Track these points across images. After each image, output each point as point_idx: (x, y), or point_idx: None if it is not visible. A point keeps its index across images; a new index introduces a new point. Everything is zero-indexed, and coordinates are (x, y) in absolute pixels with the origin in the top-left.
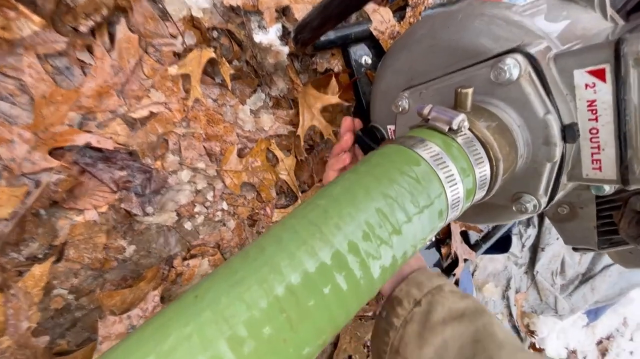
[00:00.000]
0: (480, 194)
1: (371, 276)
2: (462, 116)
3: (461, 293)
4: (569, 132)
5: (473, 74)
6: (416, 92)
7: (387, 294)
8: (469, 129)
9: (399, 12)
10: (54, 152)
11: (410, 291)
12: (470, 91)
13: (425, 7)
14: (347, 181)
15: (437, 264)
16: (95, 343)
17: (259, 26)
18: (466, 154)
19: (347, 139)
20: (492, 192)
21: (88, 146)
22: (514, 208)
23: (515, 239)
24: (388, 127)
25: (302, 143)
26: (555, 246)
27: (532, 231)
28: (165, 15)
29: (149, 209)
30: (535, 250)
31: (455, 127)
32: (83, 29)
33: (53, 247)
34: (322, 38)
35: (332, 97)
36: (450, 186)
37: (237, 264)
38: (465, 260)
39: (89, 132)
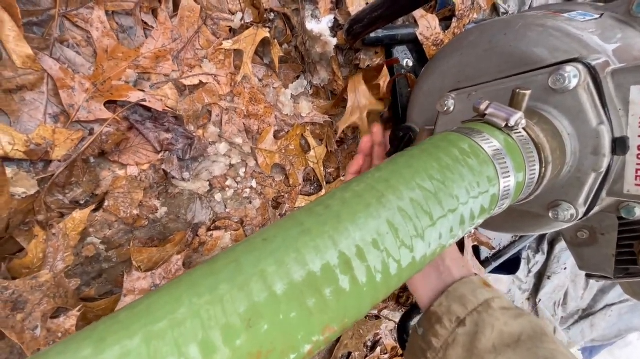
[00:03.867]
0: (526, 192)
1: (425, 248)
2: (520, 114)
3: (515, 309)
4: (620, 145)
5: (529, 80)
6: (464, 94)
7: (424, 306)
8: (524, 128)
9: (445, 22)
10: (108, 105)
11: (451, 308)
12: (528, 92)
13: (470, 21)
14: (395, 160)
15: None
16: (119, 296)
17: (312, 15)
18: (521, 151)
19: (366, 140)
20: (536, 192)
21: (139, 104)
22: (550, 215)
23: (522, 264)
24: (426, 128)
25: (339, 134)
26: (561, 276)
27: (540, 258)
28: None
29: (186, 175)
30: (541, 277)
31: (512, 124)
32: None
33: (94, 196)
34: (371, 35)
35: (380, 104)
36: (504, 178)
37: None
38: (475, 275)
39: (142, 91)
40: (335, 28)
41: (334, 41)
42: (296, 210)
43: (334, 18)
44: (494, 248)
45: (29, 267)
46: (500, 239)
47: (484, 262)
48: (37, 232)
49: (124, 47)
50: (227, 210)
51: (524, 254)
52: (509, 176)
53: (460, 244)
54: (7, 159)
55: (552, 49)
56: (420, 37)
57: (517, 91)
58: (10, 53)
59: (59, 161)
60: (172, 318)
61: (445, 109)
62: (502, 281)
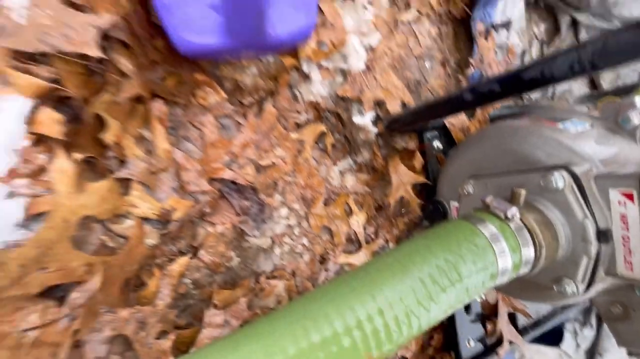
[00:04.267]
0: (525, 269)
1: (428, 315)
2: (514, 209)
3: None
4: (603, 237)
5: (528, 177)
6: (481, 182)
7: None
8: (520, 219)
9: (470, 111)
10: (209, 181)
11: None
12: (523, 192)
13: (493, 108)
14: (416, 241)
15: (481, 340)
16: (198, 328)
17: (358, 111)
18: (516, 236)
19: None
20: (535, 269)
21: (229, 180)
22: (554, 288)
23: (569, 337)
24: (451, 203)
25: (391, 207)
26: (615, 354)
27: (589, 333)
28: (296, 98)
29: (256, 233)
30: (592, 355)
31: (509, 216)
32: (245, 102)
33: (192, 247)
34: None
35: (420, 177)
36: (501, 258)
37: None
38: (511, 342)
39: (232, 170)
40: (376, 120)
41: (375, 130)
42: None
43: (376, 113)
44: (530, 316)
45: (147, 297)
46: (539, 307)
47: (522, 331)
48: (155, 273)
49: (223, 139)
50: (283, 262)
51: (571, 327)
52: (506, 257)
53: (494, 310)
54: (145, 219)
55: (548, 154)
56: (448, 125)
57: (515, 190)
58: (155, 147)
59: (175, 221)
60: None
61: (466, 192)
62: (547, 355)
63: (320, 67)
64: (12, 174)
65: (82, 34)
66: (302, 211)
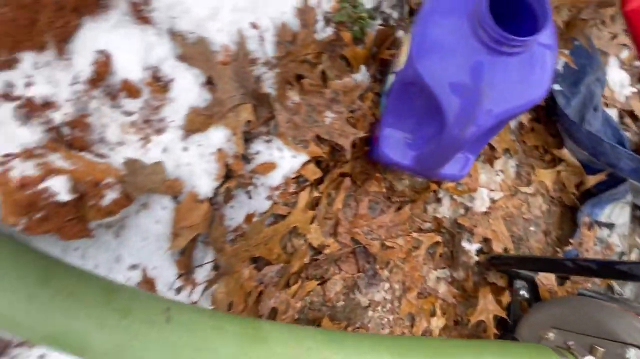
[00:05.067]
0: None
1: None
2: (591, 357)
3: None
4: None
5: (607, 344)
6: (562, 333)
7: None
8: None
9: (560, 279)
10: (351, 239)
11: None
12: (601, 350)
13: (583, 287)
14: (498, 342)
15: None
16: None
17: (467, 239)
18: None
19: None
20: None
21: (362, 244)
22: None
23: None
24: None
25: (470, 324)
26: None
27: None
28: (426, 211)
29: (363, 291)
30: None
31: None
32: (393, 199)
33: (322, 278)
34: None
35: (503, 312)
36: None
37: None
38: None
39: (366, 238)
40: (479, 252)
41: (476, 258)
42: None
43: (480, 247)
44: None
45: (290, 295)
46: None
47: None
48: (297, 281)
49: (368, 215)
50: (368, 324)
51: None
52: None
53: None
54: (309, 244)
55: (628, 334)
56: (538, 282)
57: (595, 346)
58: (333, 203)
59: (324, 254)
60: None
61: (547, 337)
62: None
63: (451, 197)
64: (276, 188)
65: (347, 138)
66: (398, 293)
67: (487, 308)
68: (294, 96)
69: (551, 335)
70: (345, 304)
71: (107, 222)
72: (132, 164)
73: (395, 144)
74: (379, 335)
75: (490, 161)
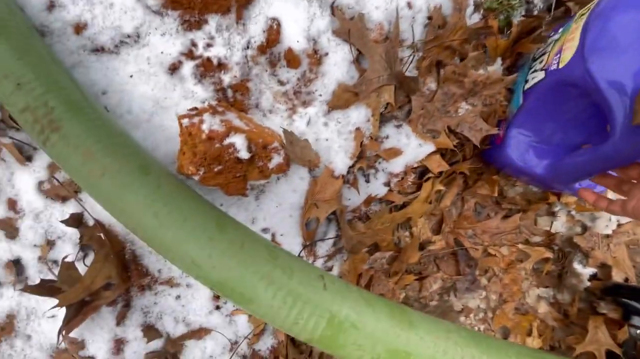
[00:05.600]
0: None
1: None
2: None
3: None
4: None
5: None
6: None
7: None
8: None
9: None
10: (454, 239)
11: None
12: None
13: None
14: None
15: None
16: None
17: (580, 261)
18: None
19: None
20: None
21: (465, 248)
22: None
23: None
24: None
25: (574, 354)
26: None
27: None
28: (536, 223)
29: (458, 295)
30: None
31: None
32: (503, 206)
33: (420, 274)
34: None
35: (618, 349)
36: None
37: None
38: None
39: (469, 241)
40: (592, 277)
41: (587, 283)
42: None
43: (595, 271)
44: None
45: (397, 282)
46: None
47: None
48: (404, 273)
49: (473, 218)
50: None
51: None
52: None
53: None
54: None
55: None
56: None
57: None
58: (442, 201)
59: (428, 250)
60: None
61: None
62: None
63: (569, 213)
64: (395, 175)
65: (479, 132)
66: (494, 304)
67: (599, 339)
68: (430, 83)
69: None
70: (438, 305)
71: (255, 185)
72: (289, 135)
73: (521, 148)
74: (524, 346)
75: None
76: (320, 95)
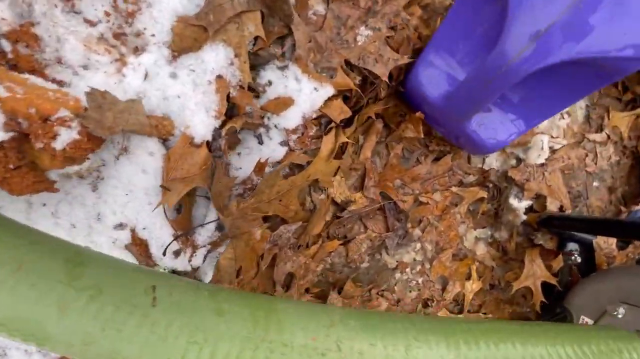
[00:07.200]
0: None
1: None
2: None
3: None
4: None
5: None
6: (634, 309)
7: None
8: None
9: (623, 242)
10: (380, 193)
11: None
12: None
13: None
14: (570, 325)
15: None
16: (322, 303)
17: (516, 195)
18: None
19: None
20: None
21: (392, 199)
22: None
23: None
24: (582, 317)
25: (512, 291)
26: None
27: None
28: (470, 162)
29: (390, 251)
30: None
31: None
32: (431, 147)
33: (345, 238)
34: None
35: (553, 279)
36: None
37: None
38: None
39: (398, 193)
40: (528, 210)
41: (523, 217)
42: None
43: (531, 203)
44: None
45: (308, 255)
46: None
47: None
48: (317, 241)
49: (401, 166)
50: (395, 287)
51: None
52: None
53: None
54: (334, 203)
55: None
56: (595, 245)
57: None
58: (362, 153)
59: (349, 211)
60: None
61: (615, 313)
62: None
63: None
64: (294, 131)
65: (385, 64)
66: (431, 254)
67: (535, 273)
68: (317, 5)
69: (621, 311)
70: (370, 266)
71: (77, 172)
72: (97, 97)
73: (436, 77)
74: (429, 317)
75: None
76: (153, 35)
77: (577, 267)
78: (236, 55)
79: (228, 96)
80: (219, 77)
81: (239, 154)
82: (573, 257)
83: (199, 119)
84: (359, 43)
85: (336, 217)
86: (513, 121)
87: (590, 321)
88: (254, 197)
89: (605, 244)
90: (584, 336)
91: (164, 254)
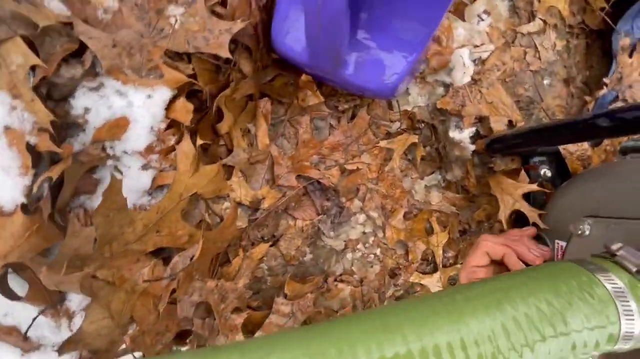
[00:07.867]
0: None
1: None
2: None
3: None
4: None
5: None
6: (603, 223)
7: None
8: None
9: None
10: (298, 177)
11: None
12: None
13: (629, 139)
14: (514, 275)
15: None
16: (267, 312)
17: (456, 126)
18: None
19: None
20: None
21: (315, 179)
22: None
23: None
24: (556, 241)
25: (506, 226)
26: None
27: None
28: (392, 107)
29: (331, 234)
30: None
31: None
32: (340, 107)
33: (273, 237)
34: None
35: (533, 186)
36: (627, 320)
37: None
38: None
39: (319, 170)
40: (475, 137)
41: (471, 147)
42: (427, 294)
43: (476, 130)
44: None
45: (229, 274)
46: None
47: None
48: (239, 253)
49: (315, 140)
50: (353, 268)
51: None
52: (633, 319)
53: None
54: (239, 204)
55: None
56: (563, 152)
57: None
58: (257, 141)
59: (263, 209)
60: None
61: (580, 232)
62: None
63: (420, 78)
64: (149, 150)
65: (218, 38)
66: (380, 221)
67: (512, 195)
68: (106, 1)
69: (586, 228)
70: (315, 256)
71: None
72: None
73: (294, 29)
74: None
75: (464, 4)
76: None
77: (550, 183)
78: (15, 97)
79: (28, 144)
80: (7, 128)
81: (98, 196)
82: (542, 172)
83: (1, 183)
84: (176, 26)
85: (252, 220)
86: (394, 50)
87: (561, 243)
88: (118, 240)
89: (575, 145)
90: (530, 277)
91: (25, 335)
